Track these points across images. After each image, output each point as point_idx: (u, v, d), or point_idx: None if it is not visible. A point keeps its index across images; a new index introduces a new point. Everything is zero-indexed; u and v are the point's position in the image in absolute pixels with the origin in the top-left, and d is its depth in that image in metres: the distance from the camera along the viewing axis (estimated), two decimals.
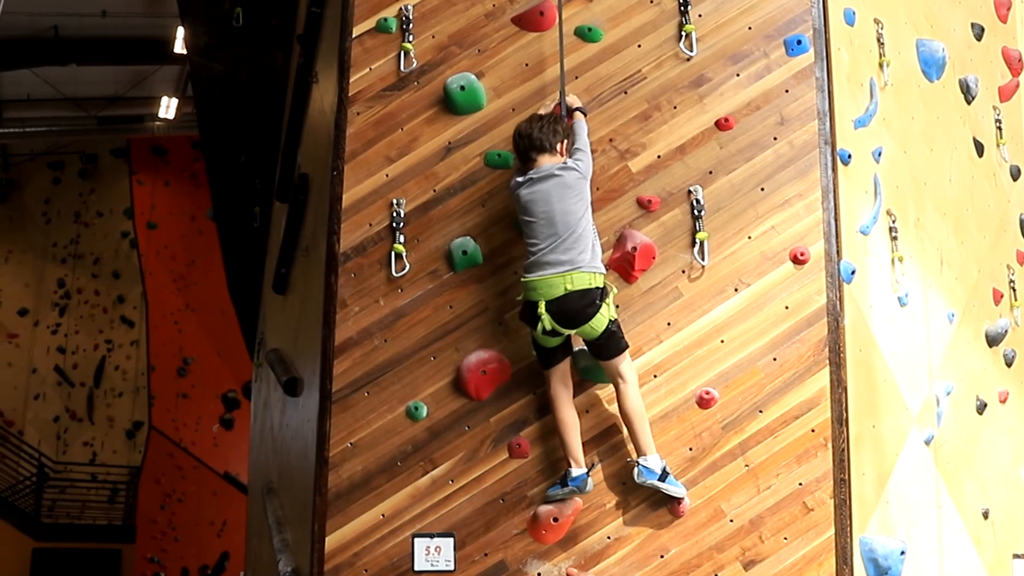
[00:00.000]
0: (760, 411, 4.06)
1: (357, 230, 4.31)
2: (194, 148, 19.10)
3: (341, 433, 4.18)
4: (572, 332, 3.87)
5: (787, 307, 4.13)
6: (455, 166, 4.30)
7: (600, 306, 3.83)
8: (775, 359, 4.10)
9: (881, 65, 4.70)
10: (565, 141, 4.02)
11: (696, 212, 4.18)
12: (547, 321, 3.81)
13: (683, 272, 4.16)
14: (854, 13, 4.56)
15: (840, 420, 4.06)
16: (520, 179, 3.99)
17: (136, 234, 20.60)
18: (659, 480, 3.90)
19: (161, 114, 18.49)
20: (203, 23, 7.63)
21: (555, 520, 3.99)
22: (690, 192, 4.21)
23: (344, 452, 4.16)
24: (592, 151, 4.20)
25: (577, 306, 3.81)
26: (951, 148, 5.17)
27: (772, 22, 4.37)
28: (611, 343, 3.89)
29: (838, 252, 4.19)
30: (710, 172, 4.23)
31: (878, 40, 4.73)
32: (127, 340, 21.00)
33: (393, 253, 4.24)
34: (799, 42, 4.33)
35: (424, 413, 4.14)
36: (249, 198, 8.06)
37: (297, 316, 5.63)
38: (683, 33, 4.33)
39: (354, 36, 4.47)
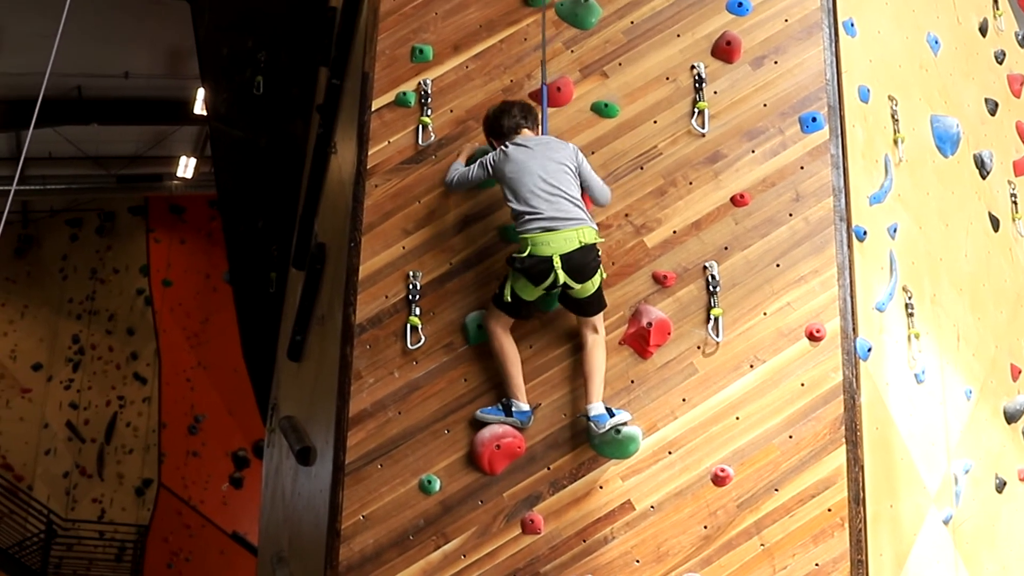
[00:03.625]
0: (776, 489, 4.03)
1: (373, 301, 4.32)
2: (211, 207, 19.28)
3: (354, 505, 4.15)
4: (577, 287, 3.93)
5: (803, 384, 4.11)
6: (472, 239, 4.32)
7: (600, 261, 3.96)
8: (791, 437, 4.07)
9: (896, 141, 4.73)
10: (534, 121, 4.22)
11: (711, 288, 4.19)
12: (562, 275, 3.89)
13: (698, 348, 4.16)
14: (868, 90, 4.60)
15: (857, 499, 4.02)
16: (508, 144, 4.10)
17: (151, 291, 20.70)
18: (610, 418, 3.95)
19: (179, 173, 18.69)
20: (224, 90, 7.74)
21: None
22: (705, 268, 4.22)
23: (356, 524, 4.13)
24: (608, 226, 4.28)
25: (586, 259, 3.92)
26: (966, 223, 5.17)
27: (787, 99, 4.41)
28: (598, 298, 4.03)
29: (854, 329, 4.18)
30: (725, 248, 4.25)
31: (892, 116, 4.76)
32: (139, 397, 20.98)
33: (409, 325, 4.25)
34: (814, 119, 4.36)
35: (437, 487, 4.12)
36: (265, 263, 8.10)
37: (311, 385, 5.63)
38: (698, 110, 4.38)
39: (373, 109, 4.54)
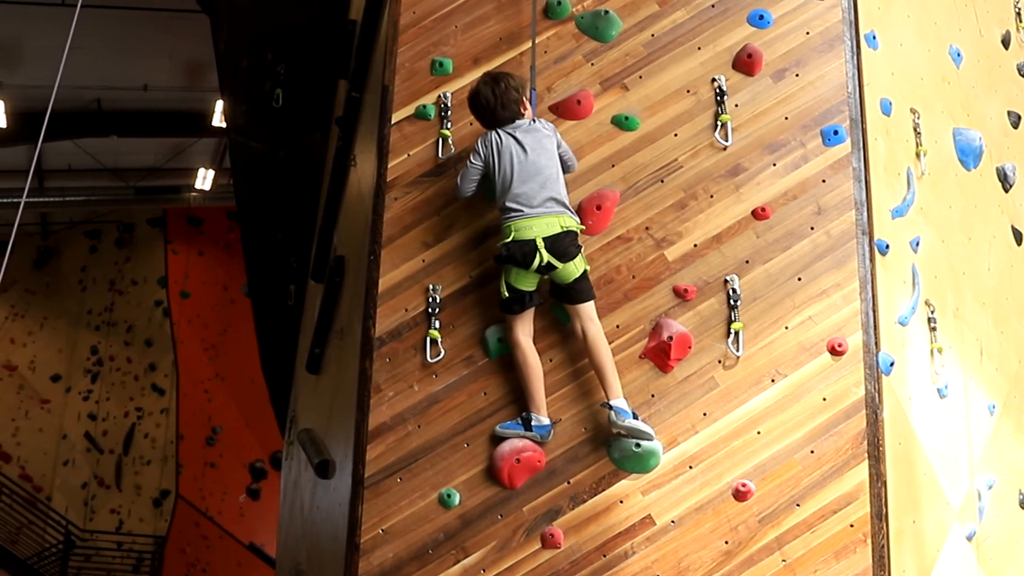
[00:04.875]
0: (797, 505, 4.00)
1: (393, 315, 4.32)
2: (229, 219, 19.37)
3: (373, 519, 4.14)
4: (560, 266, 4.01)
5: (825, 399, 4.08)
6: (491, 252, 4.30)
7: (580, 247, 4.08)
8: (813, 452, 4.04)
9: (918, 154, 4.70)
10: (523, 98, 4.23)
11: (732, 302, 4.17)
12: (545, 255, 3.99)
13: (719, 362, 4.13)
14: (890, 103, 4.57)
15: (880, 515, 3.98)
16: (500, 131, 4.17)
17: (169, 303, 20.80)
18: (633, 419, 3.94)
19: (197, 185, 18.84)
20: (243, 103, 7.77)
21: None
22: (726, 281, 4.20)
23: (376, 538, 4.12)
24: (628, 239, 4.27)
25: (567, 243, 4.03)
26: (989, 237, 5.14)
27: (808, 112, 4.39)
28: (586, 286, 4.08)
29: (876, 343, 4.15)
30: (747, 261, 4.23)
31: (915, 129, 4.73)
32: (157, 408, 21.07)
33: (428, 339, 4.24)
34: (836, 132, 4.34)
35: (457, 501, 4.10)
36: (284, 276, 8.12)
37: (330, 398, 5.63)
38: (719, 123, 4.36)
39: (393, 122, 4.54)
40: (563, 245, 4.01)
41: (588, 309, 4.07)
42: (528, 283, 4.07)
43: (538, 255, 4.00)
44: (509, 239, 4.03)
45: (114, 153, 18.40)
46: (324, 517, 5.29)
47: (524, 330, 4.11)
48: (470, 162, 4.20)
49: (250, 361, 12.05)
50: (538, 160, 4.09)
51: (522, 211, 4.04)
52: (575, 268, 4.04)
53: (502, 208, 4.11)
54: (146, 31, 13.99)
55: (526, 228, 4.02)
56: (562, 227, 4.02)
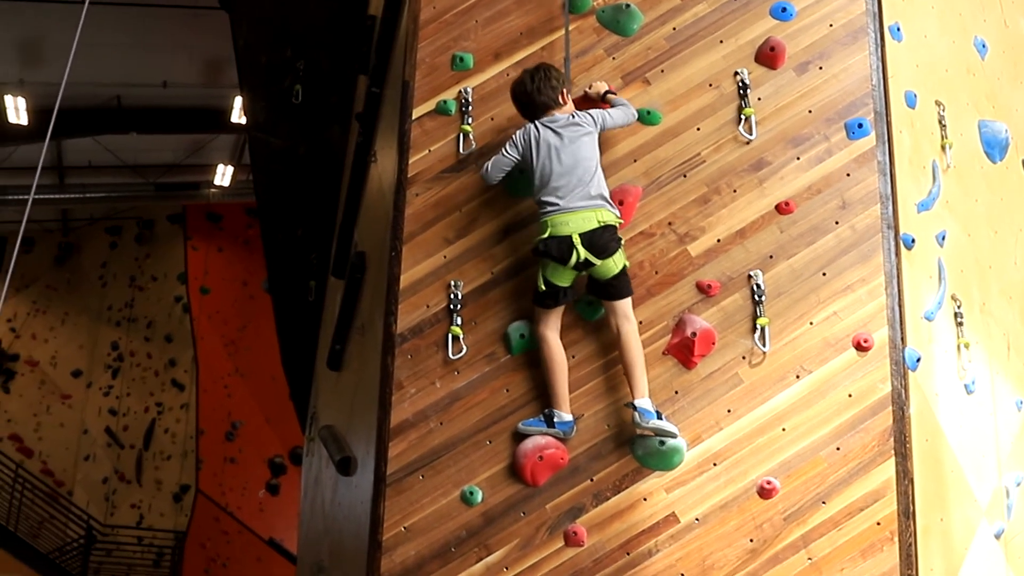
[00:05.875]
0: (823, 502, 3.96)
1: (414, 311, 4.30)
2: (247, 215, 19.42)
3: (395, 516, 4.13)
4: (598, 263, 3.97)
5: (850, 395, 4.04)
6: (513, 248, 4.29)
7: (620, 242, 4.03)
8: (838, 448, 4.00)
9: (943, 147, 4.65)
10: (563, 90, 4.20)
11: (757, 297, 4.13)
12: (582, 251, 3.95)
13: (744, 358, 4.10)
14: (915, 95, 4.52)
15: (907, 513, 3.94)
16: (538, 125, 4.15)
17: (189, 299, 20.88)
18: (657, 419, 3.92)
19: (217, 181, 18.91)
20: (263, 99, 7.77)
21: None
22: (750, 277, 4.16)
23: (398, 536, 4.11)
24: (651, 234, 4.23)
25: (605, 238, 3.99)
26: (1016, 230, 5.08)
27: (832, 105, 4.34)
28: (624, 282, 4.04)
29: (903, 339, 4.10)
30: (771, 256, 4.19)
31: (940, 122, 4.68)
32: (177, 403, 21.17)
33: (450, 335, 4.23)
34: (860, 125, 4.29)
35: (479, 498, 4.09)
36: (304, 272, 8.12)
37: (351, 394, 5.62)
38: (742, 116, 4.32)
39: (414, 118, 4.52)
40: (602, 241, 3.97)
41: (625, 306, 4.04)
42: (564, 279, 4.04)
43: (575, 252, 3.96)
44: (546, 235, 4.00)
45: (134, 150, 18.49)
46: (346, 514, 5.28)
47: (552, 325, 4.09)
48: (505, 151, 4.16)
49: (270, 357, 12.08)
50: (578, 153, 4.06)
51: (559, 206, 4.01)
52: (614, 264, 4.00)
53: (539, 202, 4.08)
54: (165, 28, 14.03)
55: (562, 224, 3.99)
56: (599, 222, 3.98)
